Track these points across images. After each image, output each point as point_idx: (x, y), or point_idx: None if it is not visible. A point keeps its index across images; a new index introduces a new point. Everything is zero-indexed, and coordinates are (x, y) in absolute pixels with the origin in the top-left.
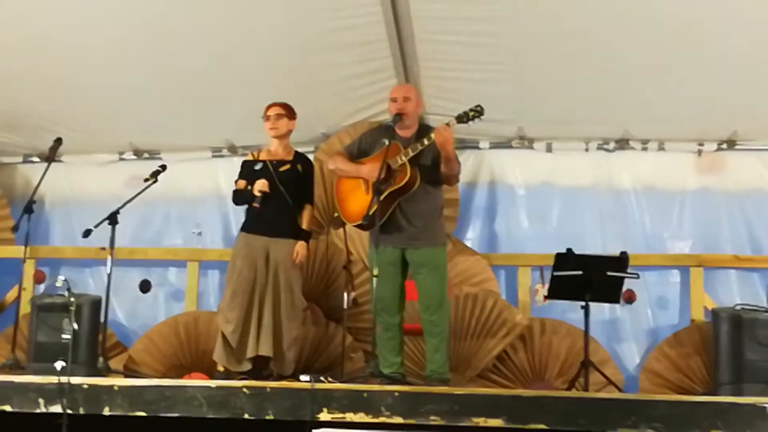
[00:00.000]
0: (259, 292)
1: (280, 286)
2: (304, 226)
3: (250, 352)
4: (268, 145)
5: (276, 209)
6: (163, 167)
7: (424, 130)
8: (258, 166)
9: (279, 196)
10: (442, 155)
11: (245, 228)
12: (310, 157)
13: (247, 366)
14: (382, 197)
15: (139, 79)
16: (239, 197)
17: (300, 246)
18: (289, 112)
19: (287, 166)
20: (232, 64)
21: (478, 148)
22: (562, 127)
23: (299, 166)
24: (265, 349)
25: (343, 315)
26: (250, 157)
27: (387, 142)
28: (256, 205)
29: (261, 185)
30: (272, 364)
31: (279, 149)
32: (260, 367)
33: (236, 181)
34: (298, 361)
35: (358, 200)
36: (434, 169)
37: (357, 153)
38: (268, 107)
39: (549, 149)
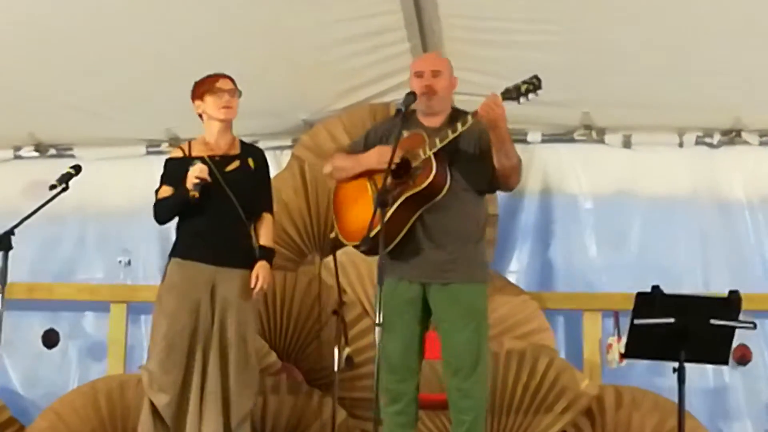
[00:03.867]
0: (202, 345)
1: (228, 336)
2: (264, 241)
3: None
4: (204, 136)
5: (222, 225)
6: (77, 169)
7: (457, 116)
8: (194, 166)
9: (226, 206)
10: (493, 141)
11: (180, 252)
12: (287, 154)
13: None
14: (395, 205)
15: (42, 47)
16: (164, 208)
17: (261, 268)
18: (237, 89)
19: (235, 164)
20: (172, 25)
21: (525, 141)
22: (645, 113)
23: (251, 162)
24: (212, 429)
25: (332, 380)
26: (177, 154)
27: (405, 134)
28: (195, 195)
29: (198, 171)
30: None
31: (222, 141)
32: None
33: (158, 189)
34: None
35: (361, 211)
36: (476, 167)
37: (364, 149)
38: (216, 78)
39: (627, 144)
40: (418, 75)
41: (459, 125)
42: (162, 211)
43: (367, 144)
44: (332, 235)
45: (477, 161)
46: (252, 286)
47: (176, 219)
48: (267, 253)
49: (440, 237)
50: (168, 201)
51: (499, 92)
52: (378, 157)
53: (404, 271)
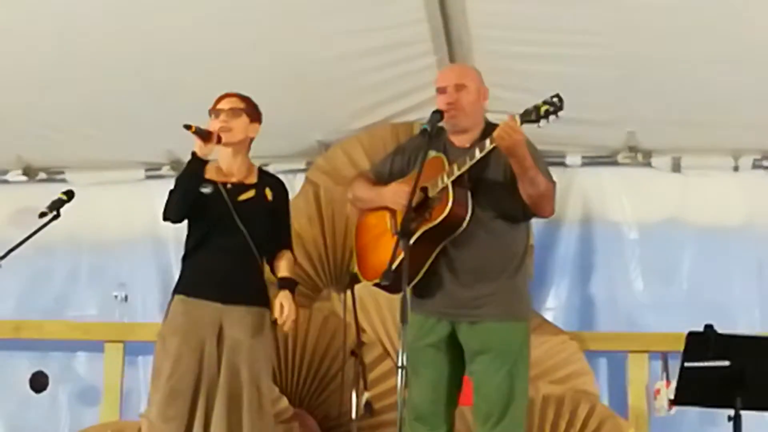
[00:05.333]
0: (207, 391)
1: (240, 380)
2: (283, 273)
3: None
4: (216, 161)
5: (231, 260)
6: (69, 194)
7: (490, 133)
8: (206, 189)
9: (237, 239)
10: (514, 168)
11: (184, 289)
12: (300, 177)
13: None
14: (413, 239)
15: (30, 63)
16: (172, 200)
17: (284, 298)
18: (251, 110)
19: (250, 193)
20: (171, 39)
21: (564, 165)
22: (696, 133)
23: (268, 192)
24: None
25: (350, 429)
26: None
27: (433, 154)
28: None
29: (213, 126)
30: None
31: (234, 166)
32: None
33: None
34: None
35: (382, 245)
36: (506, 193)
37: (389, 174)
38: (220, 98)
39: (676, 168)
40: (441, 91)
41: (477, 151)
42: (169, 206)
43: (392, 169)
44: (353, 269)
45: (506, 186)
46: (276, 317)
47: (179, 251)
48: (288, 284)
49: (465, 273)
50: (175, 192)
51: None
52: (392, 195)
53: (431, 307)
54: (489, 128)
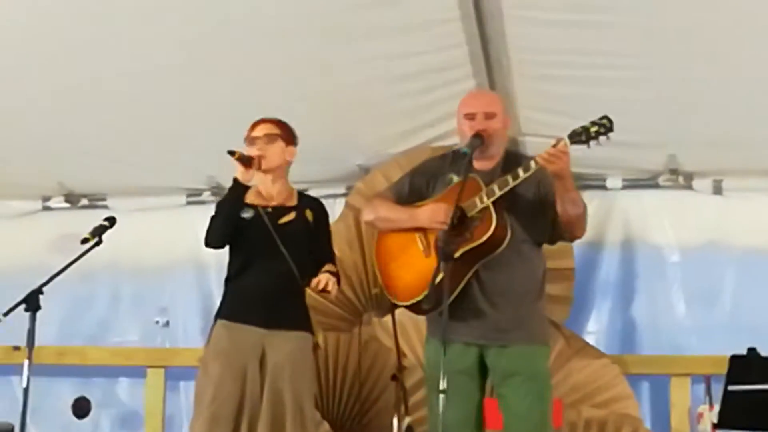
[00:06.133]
0: (249, 416)
1: (284, 404)
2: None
3: None
4: (256, 185)
5: (273, 283)
6: (111, 221)
7: (512, 160)
8: (247, 214)
9: (278, 262)
10: (558, 190)
11: (226, 314)
12: (340, 203)
13: None
14: (452, 260)
15: (71, 89)
16: (212, 226)
17: (325, 271)
18: (287, 134)
19: (290, 216)
20: (211, 64)
21: (604, 188)
22: (737, 155)
23: (309, 214)
24: None
25: None
26: None
27: (455, 178)
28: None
29: (253, 151)
30: None
31: (273, 190)
32: None
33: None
34: None
35: (412, 266)
36: (536, 216)
37: (408, 195)
38: (255, 125)
39: (718, 190)
40: (470, 117)
41: (521, 172)
42: (210, 231)
43: (411, 190)
44: (376, 290)
45: (536, 210)
46: (317, 286)
47: (222, 277)
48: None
49: (497, 296)
50: (216, 218)
51: (566, 135)
52: (431, 215)
53: (459, 332)
54: (510, 156)
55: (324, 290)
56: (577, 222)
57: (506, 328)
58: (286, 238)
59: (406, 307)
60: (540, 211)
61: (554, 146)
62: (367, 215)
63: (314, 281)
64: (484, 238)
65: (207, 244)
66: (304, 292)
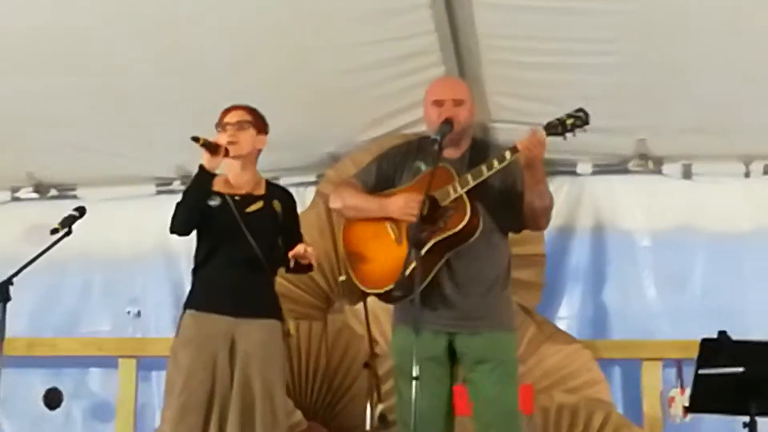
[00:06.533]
0: (220, 405)
1: (254, 392)
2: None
3: None
4: (224, 173)
5: (241, 272)
6: (81, 211)
7: (480, 147)
8: (214, 202)
9: (245, 251)
10: (527, 180)
11: (195, 303)
12: (311, 190)
13: None
14: (425, 250)
15: (40, 78)
16: (177, 213)
17: (300, 245)
18: (258, 122)
19: (258, 204)
20: (180, 51)
21: (575, 174)
22: (707, 140)
23: (277, 205)
24: None
25: None
26: None
27: (423, 167)
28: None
29: (221, 138)
30: None
31: (242, 179)
32: None
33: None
34: None
35: (382, 255)
36: (506, 206)
37: (376, 182)
38: (226, 111)
39: (687, 174)
40: (438, 104)
41: (495, 162)
42: (176, 218)
43: (379, 176)
44: (342, 278)
45: (505, 199)
46: (296, 254)
47: (191, 266)
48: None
49: (467, 284)
50: (182, 205)
51: (541, 125)
52: (403, 206)
53: (428, 319)
54: (478, 144)
55: (304, 260)
56: (542, 214)
57: (476, 316)
58: (253, 227)
59: (377, 295)
60: (508, 201)
61: (532, 135)
62: (334, 203)
63: (293, 251)
64: (459, 227)
65: (172, 231)
66: (272, 280)
